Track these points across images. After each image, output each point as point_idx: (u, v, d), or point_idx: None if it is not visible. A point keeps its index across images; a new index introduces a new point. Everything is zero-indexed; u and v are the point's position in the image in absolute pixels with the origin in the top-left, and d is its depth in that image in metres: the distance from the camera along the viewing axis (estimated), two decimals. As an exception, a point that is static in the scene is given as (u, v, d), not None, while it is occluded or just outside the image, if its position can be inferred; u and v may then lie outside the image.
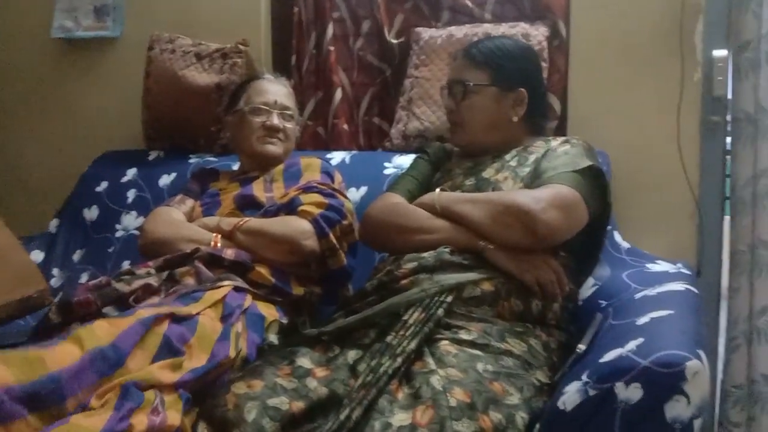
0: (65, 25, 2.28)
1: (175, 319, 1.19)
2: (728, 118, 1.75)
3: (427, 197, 1.41)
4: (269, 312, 1.41)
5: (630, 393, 0.93)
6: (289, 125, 1.73)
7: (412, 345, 1.13)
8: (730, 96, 1.74)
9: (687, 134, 1.71)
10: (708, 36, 1.70)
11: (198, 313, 1.24)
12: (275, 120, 1.70)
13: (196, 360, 1.16)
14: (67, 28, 2.27)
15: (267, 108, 1.71)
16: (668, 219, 1.75)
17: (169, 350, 1.14)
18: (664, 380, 0.92)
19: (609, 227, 1.52)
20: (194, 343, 1.18)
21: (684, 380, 0.91)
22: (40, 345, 1.05)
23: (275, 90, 1.75)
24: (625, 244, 1.65)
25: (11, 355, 1.01)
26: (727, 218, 1.77)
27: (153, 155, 2.13)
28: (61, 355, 1.03)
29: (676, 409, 0.92)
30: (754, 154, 1.68)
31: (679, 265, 1.54)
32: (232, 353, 1.22)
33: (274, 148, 1.70)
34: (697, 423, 0.92)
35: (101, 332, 1.09)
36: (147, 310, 1.18)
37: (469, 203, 1.34)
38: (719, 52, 1.70)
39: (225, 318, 1.28)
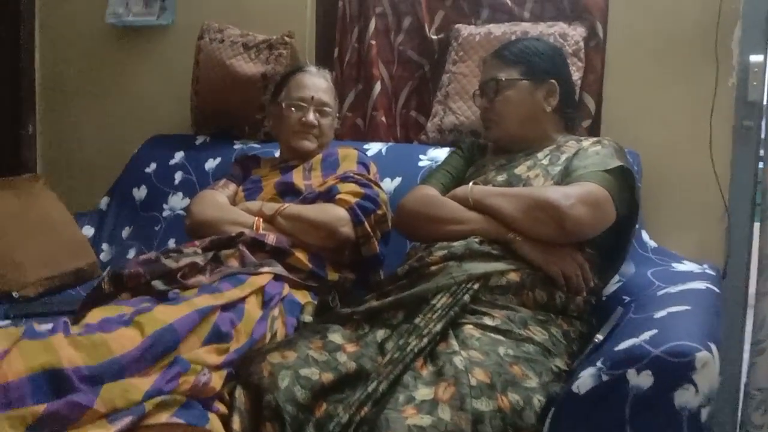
0: (117, 11, 2.39)
1: (224, 307, 1.25)
2: (763, 123, 1.74)
3: (460, 190, 1.44)
4: (305, 299, 1.46)
5: (641, 380, 0.96)
6: (324, 121, 1.76)
7: (438, 327, 1.18)
8: (765, 102, 1.72)
9: (719, 138, 1.70)
10: (745, 41, 1.69)
11: (245, 298, 1.30)
12: (311, 116, 1.73)
13: (239, 342, 1.23)
14: (119, 14, 2.39)
15: (304, 104, 1.74)
16: (697, 221, 1.74)
17: (218, 336, 1.21)
18: (674, 369, 0.95)
19: (636, 226, 1.52)
20: (241, 328, 1.25)
21: (693, 370, 0.94)
22: (104, 329, 1.11)
23: (314, 84, 1.76)
24: (653, 243, 1.66)
25: (80, 338, 1.08)
26: (757, 225, 1.75)
27: (200, 140, 2.19)
28: (124, 339, 1.10)
29: (684, 397, 0.95)
30: (787, 160, 1.69)
31: (705, 266, 1.55)
32: (268, 334, 1.29)
33: (309, 143, 1.74)
34: (705, 412, 0.95)
35: (160, 317, 1.16)
36: (203, 299, 1.24)
37: (501, 197, 1.37)
38: (756, 58, 1.69)
39: (265, 304, 1.34)
